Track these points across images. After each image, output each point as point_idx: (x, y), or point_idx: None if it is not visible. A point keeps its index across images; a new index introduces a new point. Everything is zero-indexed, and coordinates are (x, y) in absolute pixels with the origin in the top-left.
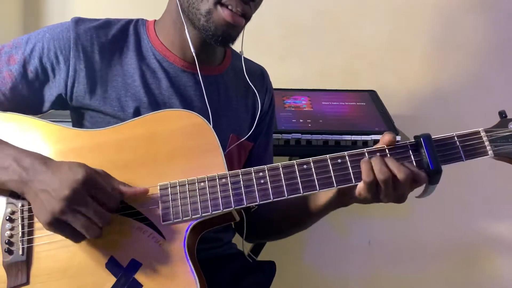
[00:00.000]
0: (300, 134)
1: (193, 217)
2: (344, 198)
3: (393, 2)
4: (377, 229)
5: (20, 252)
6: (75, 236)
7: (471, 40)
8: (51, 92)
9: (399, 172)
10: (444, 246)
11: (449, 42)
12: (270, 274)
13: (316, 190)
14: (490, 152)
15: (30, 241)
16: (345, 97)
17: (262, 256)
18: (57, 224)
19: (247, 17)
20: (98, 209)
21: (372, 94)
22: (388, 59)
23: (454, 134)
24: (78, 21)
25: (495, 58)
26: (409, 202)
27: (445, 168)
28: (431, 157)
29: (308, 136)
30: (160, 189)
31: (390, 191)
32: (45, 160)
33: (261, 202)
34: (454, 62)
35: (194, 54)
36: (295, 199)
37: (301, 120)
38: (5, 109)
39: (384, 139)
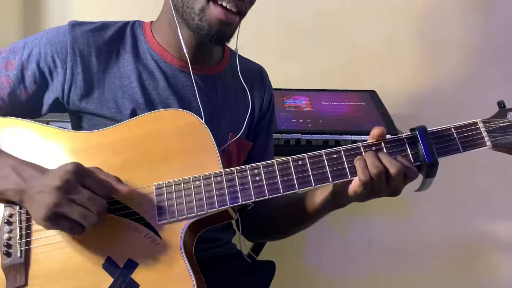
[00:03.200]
0: (300, 134)
1: (188, 216)
2: (338, 198)
3: (393, 3)
4: (377, 229)
5: (18, 255)
6: (74, 227)
7: (471, 40)
8: (48, 96)
9: (391, 167)
10: (444, 246)
11: (449, 42)
12: (270, 273)
13: (312, 185)
14: (488, 143)
15: (28, 243)
16: (345, 97)
17: (262, 256)
18: (54, 218)
19: (241, 13)
20: (92, 195)
21: (372, 94)
22: (388, 59)
23: (451, 126)
24: (74, 25)
25: (495, 58)
26: (409, 202)
27: (445, 168)
28: (427, 150)
29: (308, 136)
30: (155, 189)
31: (383, 185)
32: (42, 169)
33: (256, 199)
34: (454, 62)
35: (186, 55)
36: (293, 200)
37: (301, 120)
38: (4, 114)
39: (374, 133)
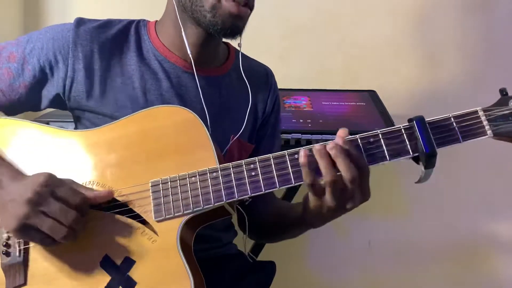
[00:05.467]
0: (300, 134)
1: (185, 212)
2: (307, 215)
3: (393, 2)
4: (377, 229)
5: (17, 254)
6: (44, 240)
7: (471, 40)
8: (49, 91)
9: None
10: (443, 246)
11: (449, 42)
12: (270, 274)
13: None
14: (489, 131)
15: (26, 242)
16: (345, 97)
17: (262, 257)
18: (24, 230)
19: (250, 6)
20: (63, 207)
21: (372, 94)
22: (388, 59)
23: (451, 115)
24: (79, 22)
25: (495, 58)
26: (409, 202)
27: (445, 168)
28: (426, 140)
29: (308, 136)
30: (151, 186)
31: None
32: (15, 175)
33: (252, 195)
34: (454, 62)
35: (190, 56)
36: (283, 207)
37: (301, 120)
38: (3, 105)
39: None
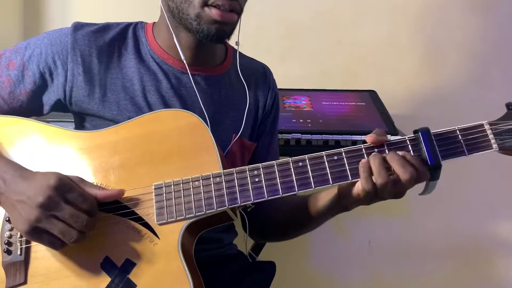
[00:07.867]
0: (300, 134)
1: (187, 216)
2: (344, 201)
3: (393, 2)
4: (377, 229)
5: (19, 252)
6: (54, 243)
7: (471, 40)
8: (49, 97)
9: (404, 173)
10: (444, 246)
11: (449, 42)
12: (270, 274)
13: (312, 187)
14: (494, 145)
15: (28, 241)
16: (345, 97)
17: (263, 257)
18: (35, 233)
19: (237, 12)
20: (74, 212)
21: (372, 94)
22: (388, 59)
23: (456, 128)
24: (77, 26)
25: (495, 58)
26: (409, 202)
27: (446, 168)
28: (430, 152)
29: (308, 136)
30: (154, 189)
31: (388, 189)
32: (22, 172)
33: (255, 201)
34: (454, 62)
35: (184, 61)
36: (299, 203)
37: (301, 120)
38: (5, 113)
39: (369, 141)
